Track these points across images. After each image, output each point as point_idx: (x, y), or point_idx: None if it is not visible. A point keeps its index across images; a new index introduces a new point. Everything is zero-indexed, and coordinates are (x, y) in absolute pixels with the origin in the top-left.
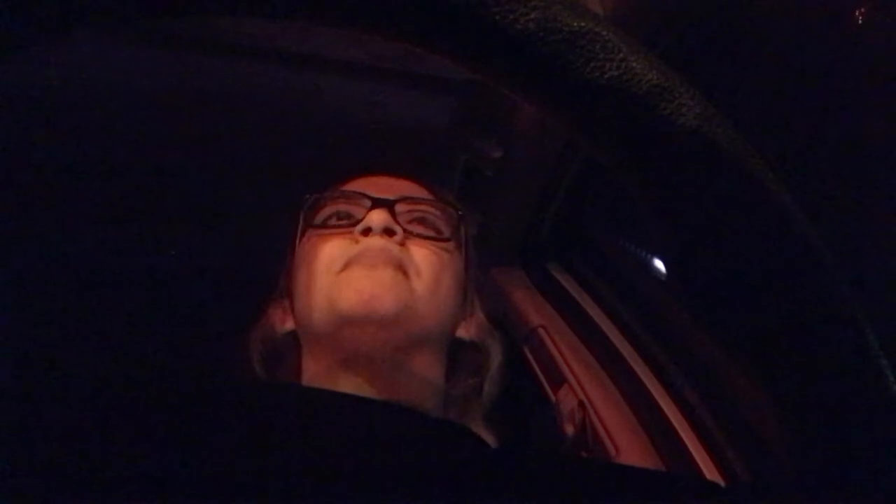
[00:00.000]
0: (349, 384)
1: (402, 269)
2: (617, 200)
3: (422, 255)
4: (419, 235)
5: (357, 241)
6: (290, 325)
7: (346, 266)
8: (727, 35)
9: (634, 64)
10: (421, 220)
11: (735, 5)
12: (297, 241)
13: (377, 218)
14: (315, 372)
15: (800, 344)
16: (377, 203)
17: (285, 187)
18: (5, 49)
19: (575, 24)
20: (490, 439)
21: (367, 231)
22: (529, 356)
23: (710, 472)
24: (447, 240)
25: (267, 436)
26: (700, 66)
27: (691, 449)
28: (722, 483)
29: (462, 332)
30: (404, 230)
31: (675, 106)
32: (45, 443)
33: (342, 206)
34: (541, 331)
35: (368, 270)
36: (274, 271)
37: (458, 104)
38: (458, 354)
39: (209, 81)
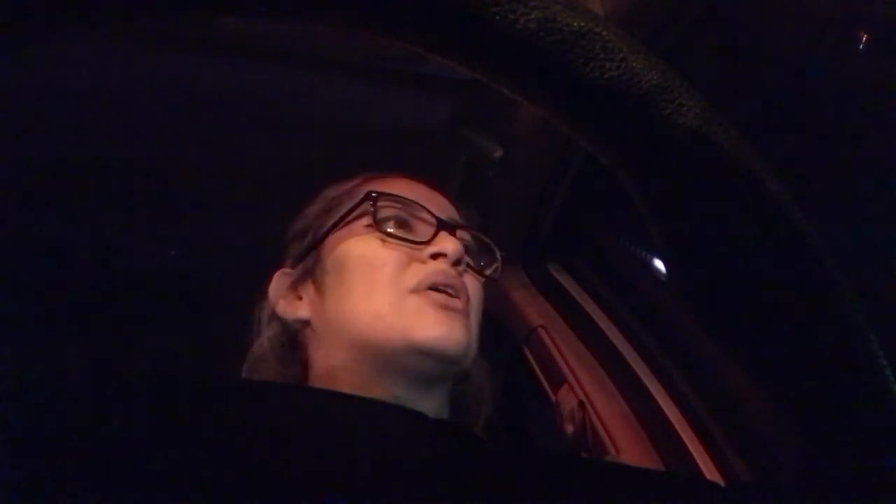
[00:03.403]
0: (376, 392)
1: (465, 305)
2: (617, 200)
3: (472, 288)
4: (473, 269)
5: (424, 262)
6: (304, 312)
7: (420, 289)
8: (727, 35)
9: (634, 64)
10: (468, 249)
11: (735, 5)
12: (337, 229)
13: (452, 248)
14: (328, 366)
15: (800, 343)
16: (444, 226)
17: (284, 188)
18: (5, 48)
19: (575, 24)
20: (488, 439)
21: (436, 255)
22: (529, 356)
23: (710, 472)
24: (489, 277)
25: (267, 437)
26: (700, 66)
27: (691, 449)
28: (722, 483)
29: None
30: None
31: (675, 106)
32: (42, 443)
33: (403, 214)
34: (541, 331)
35: (448, 307)
36: (268, 272)
37: (458, 104)
38: None
39: (208, 81)
